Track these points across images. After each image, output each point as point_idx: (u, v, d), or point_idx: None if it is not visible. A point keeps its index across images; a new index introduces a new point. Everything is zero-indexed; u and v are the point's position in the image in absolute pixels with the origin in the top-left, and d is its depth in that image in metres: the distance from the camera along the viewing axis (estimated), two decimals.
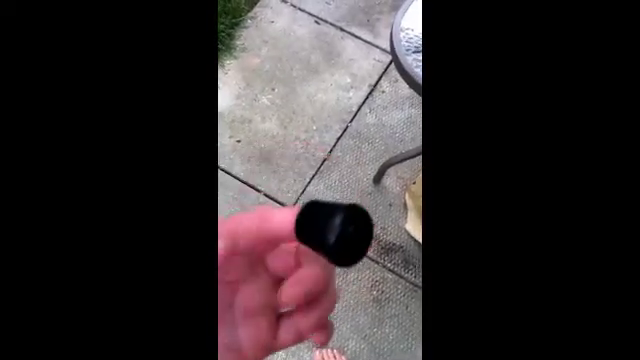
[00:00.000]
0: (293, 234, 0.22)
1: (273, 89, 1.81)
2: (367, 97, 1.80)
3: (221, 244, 0.22)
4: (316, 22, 1.94)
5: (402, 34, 1.00)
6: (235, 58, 1.86)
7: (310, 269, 0.23)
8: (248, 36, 1.91)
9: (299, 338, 0.25)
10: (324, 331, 0.25)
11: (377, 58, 1.87)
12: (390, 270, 1.53)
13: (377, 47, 1.89)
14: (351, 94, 1.80)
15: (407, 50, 0.97)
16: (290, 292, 0.23)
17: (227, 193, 1.62)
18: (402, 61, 0.98)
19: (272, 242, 0.23)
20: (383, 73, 1.84)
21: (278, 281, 0.25)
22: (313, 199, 0.23)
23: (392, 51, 1.01)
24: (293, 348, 1.42)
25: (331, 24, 1.94)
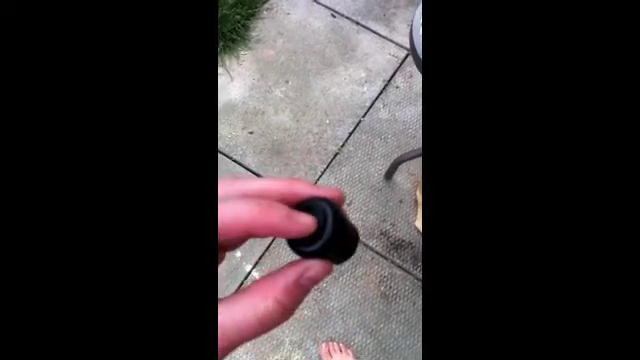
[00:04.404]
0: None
1: (287, 81, 1.80)
2: (381, 92, 1.79)
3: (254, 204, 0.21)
4: (332, 15, 1.93)
5: (421, 30, 0.99)
6: (250, 49, 1.85)
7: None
8: (263, 27, 1.90)
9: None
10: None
11: (392, 53, 1.86)
12: (399, 266, 1.53)
13: (392, 42, 1.88)
14: (365, 89, 1.79)
15: None
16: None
17: None
18: (421, 57, 0.97)
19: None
20: (398, 68, 1.83)
21: None
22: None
23: (411, 47, 1.00)
24: (299, 341, 1.43)
25: (347, 17, 1.93)
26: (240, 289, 0.24)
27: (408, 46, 1.82)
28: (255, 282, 0.23)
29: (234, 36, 1.84)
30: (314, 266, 0.23)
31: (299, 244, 0.23)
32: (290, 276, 0.22)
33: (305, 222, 0.22)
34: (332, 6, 1.94)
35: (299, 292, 0.22)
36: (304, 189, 0.24)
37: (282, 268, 0.23)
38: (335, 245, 0.23)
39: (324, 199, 0.24)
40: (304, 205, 0.23)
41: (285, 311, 0.22)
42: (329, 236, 0.22)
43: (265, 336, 1.44)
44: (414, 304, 1.49)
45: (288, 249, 0.24)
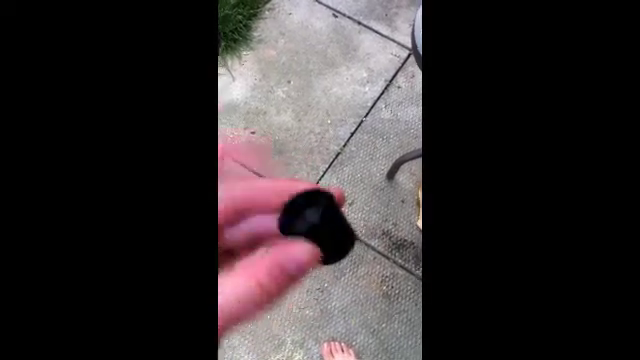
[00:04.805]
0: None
1: (289, 81, 1.81)
2: (383, 92, 1.79)
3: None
4: (334, 15, 1.93)
5: (422, 29, 0.99)
6: (252, 49, 1.86)
7: None
8: (265, 28, 1.90)
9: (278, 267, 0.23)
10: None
11: (394, 53, 1.86)
12: (401, 266, 1.53)
13: (394, 41, 1.88)
14: (367, 89, 1.79)
15: None
16: None
17: None
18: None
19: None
20: (400, 68, 1.83)
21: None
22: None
23: (413, 46, 1.00)
24: (301, 341, 1.43)
25: (349, 17, 1.93)
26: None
27: (410, 46, 1.82)
28: (241, 263, 0.22)
29: (236, 36, 1.84)
30: (299, 247, 0.22)
31: (288, 227, 0.23)
32: (274, 259, 0.22)
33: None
34: (334, 6, 1.94)
35: (283, 277, 0.22)
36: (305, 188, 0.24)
37: (268, 250, 0.23)
38: (324, 228, 0.23)
39: (322, 192, 0.24)
40: (301, 195, 0.24)
41: (267, 295, 0.21)
42: (317, 218, 0.23)
43: (266, 335, 1.44)
44: (416, 304, 1.49)
45: None
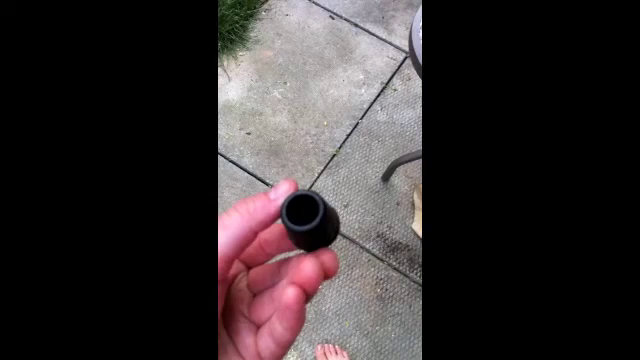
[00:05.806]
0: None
1: (285, 83, 1.80)
2: (379, 94, 1.79)
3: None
4: (331, 17, 1.93)
5: (420, 33, 0.99)
6: (248, 50, 1.85)
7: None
8: (262, 28, 1.90)
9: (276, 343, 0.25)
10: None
11: (390, 55, 1.86)
12: (395, 269, 1.53)
13: (391, 44, 1.88)
14: (363, 91, 1.80)
15: None
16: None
17: (236, 185, 1.62)
18: (421, 60, 0.97)
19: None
20: (396, 71, 1.83)
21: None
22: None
23: (410, 50, 1.00)
24: (295, 343, 1.43)
25: (346, 19, 1.93)
26: None
27: (406, 49, 1.83)
28: None
29: (232, 37, 1.84)
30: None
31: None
32: None
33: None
34: (331, 8, 1.95)
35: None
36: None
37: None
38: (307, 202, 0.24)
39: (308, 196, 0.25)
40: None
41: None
42: (314, 197, 0.24)
43: None
44: (410, 306, 1.49)
45: None
